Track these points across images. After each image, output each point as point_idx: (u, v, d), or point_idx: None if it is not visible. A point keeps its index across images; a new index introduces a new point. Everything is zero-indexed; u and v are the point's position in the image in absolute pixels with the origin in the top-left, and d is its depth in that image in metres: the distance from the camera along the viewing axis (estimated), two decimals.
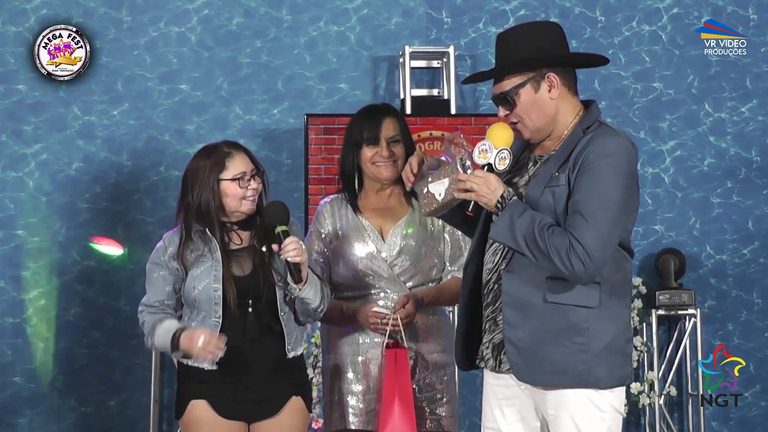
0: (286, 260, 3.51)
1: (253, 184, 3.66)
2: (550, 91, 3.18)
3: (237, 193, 3.64)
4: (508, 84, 3.19)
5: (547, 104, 3.19)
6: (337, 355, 3.93)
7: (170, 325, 3.59)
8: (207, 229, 3.65)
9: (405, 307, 3.81)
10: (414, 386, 3.82)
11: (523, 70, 3.17)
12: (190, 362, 3.63)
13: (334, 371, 3.92)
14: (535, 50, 3.16)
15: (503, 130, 3.19)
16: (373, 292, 3.91)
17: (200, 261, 3.62)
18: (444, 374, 3.93)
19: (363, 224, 3.95)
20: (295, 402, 3.68)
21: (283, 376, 3.66)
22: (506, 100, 3.20)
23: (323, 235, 3.97)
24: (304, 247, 3.54)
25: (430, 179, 3.29)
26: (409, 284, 3.92)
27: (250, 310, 3.62)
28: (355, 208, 3.97)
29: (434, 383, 3.91)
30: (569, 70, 3.23)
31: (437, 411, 3.91)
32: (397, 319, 3.79)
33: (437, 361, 3.92)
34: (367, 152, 3.93)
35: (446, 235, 3.99)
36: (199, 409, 3.61)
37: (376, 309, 3.82)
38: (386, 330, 3.79)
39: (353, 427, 3.87)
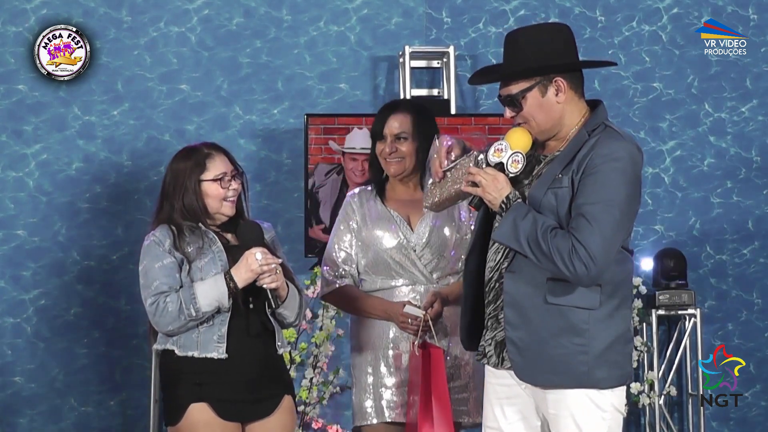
0: (263, 287, 3.56)
1: (234, 185, 3.68)
2: (557, 95, 3.18)
3: (218, 193, 3.65)
4: (516, 88, 3.19)
5: (554, 107, 3.19)
6: (369, 350, 3.94)
7: (208, 279, 3.55)
8: (200, 224, 3.66)
9: (433, 306, 3.83)
10: None
11: (532, 75, 3.18)
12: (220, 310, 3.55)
13: (367, 366, 3.94)
14: (544, 56, 3.16)
15: (523, 134, 3.21)
16: (400, 281, 3.93)
17: (202, 253, 3.61)
18: (470, 365, 3.93)
19: (391, 215, 3.97)
20: (287, 401, 3.69)
21: (274, 375, 3.68)
22: (513, 102, 3.21)
23: (352, 227, 3.99)
24: (279, 271, 3.57)
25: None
26: (436, 274, 3.93)
27: (251, 306, 3.64)
28: (383, 199, 4.00)
29: (460, 374, 3.92)
30: (576, 73, 3.23)
31: (465, 402, 3.91)
32: (428, 320, 3.80)
33: (463, 352, 3.91)
34: (378, 146, 3.98)
35: (473, 227, 4.00)
36: (199, 412, 3.57)
37: (408, 309, 3.83)
38: (417, 330, 3.80)
39: (390, 420, 3.89)
